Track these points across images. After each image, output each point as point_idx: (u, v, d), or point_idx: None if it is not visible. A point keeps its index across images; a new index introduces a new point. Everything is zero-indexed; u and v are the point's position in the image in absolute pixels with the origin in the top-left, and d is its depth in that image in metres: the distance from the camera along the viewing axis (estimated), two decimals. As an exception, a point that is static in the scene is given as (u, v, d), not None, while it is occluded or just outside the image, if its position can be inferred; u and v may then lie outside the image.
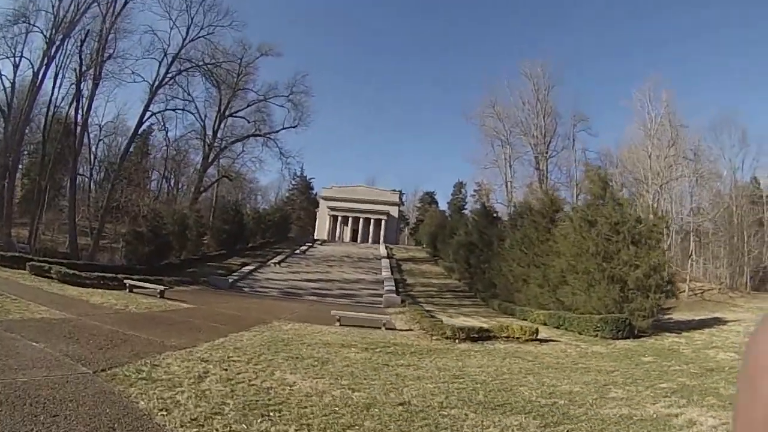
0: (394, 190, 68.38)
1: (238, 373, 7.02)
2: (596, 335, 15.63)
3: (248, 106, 50.00)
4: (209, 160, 46.95)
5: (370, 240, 62.47)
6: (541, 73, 46.98)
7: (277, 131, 50.75)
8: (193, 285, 23.63)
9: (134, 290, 17.34)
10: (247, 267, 31.37)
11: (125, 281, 17.87)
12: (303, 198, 74.27)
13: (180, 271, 27.77)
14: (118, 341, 8.23)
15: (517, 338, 13.95)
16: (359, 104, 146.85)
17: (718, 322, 20.20)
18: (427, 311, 19.68)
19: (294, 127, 51.06)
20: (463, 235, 34.57)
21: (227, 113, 48.42)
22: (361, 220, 65.51)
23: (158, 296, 16.63)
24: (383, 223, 64.71)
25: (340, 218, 65.48)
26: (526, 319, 19.59)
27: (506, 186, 47.40)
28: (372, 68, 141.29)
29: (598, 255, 17.78)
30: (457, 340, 13.17)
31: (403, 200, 70.67)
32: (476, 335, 13.74)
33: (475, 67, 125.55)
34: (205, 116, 47.66)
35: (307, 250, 45.30)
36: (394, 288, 28.49)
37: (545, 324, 18.24)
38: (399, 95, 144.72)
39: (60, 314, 10.30)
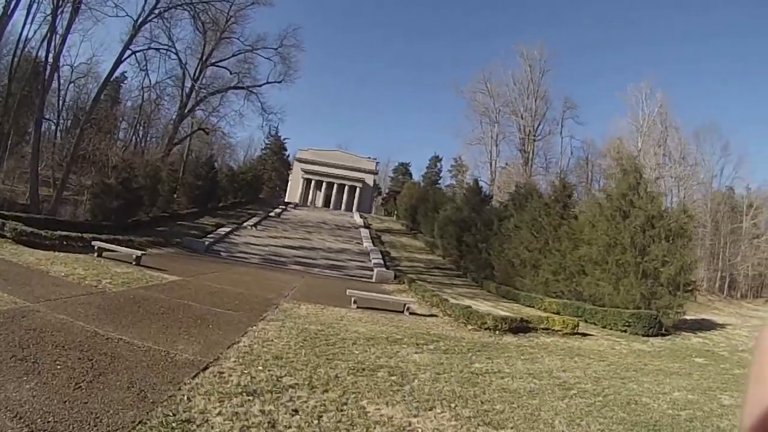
0: (371, 158, 65.27)
1: (319, 416, 4.28)
2: (625, 330, 14.47)
3: (233, 55, 44.88)
4: (186, 110, 42.04)
5: (343, 207, 59.35)
6: (537, 55, 45.11)
7: (261, 85, 45.87)
8: (166, 247, 20.09)
9: (104, 254, 13.81)
10: (222, 228, 27.92)
11: (93, 243, 14.23)
12: (276, 159, 69.56)
13: (149, 230, 24.05)
14: (104, 360, 5.01)
15: (557, 331, 12.52)
16: (336, 71, 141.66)
17: (713, 324, 19.84)
18: (430, 291, 17.48)
19: (279, 83, 46.39)
20: (452, 211, 32.37)
21: (210, 62, 43.32)
22: (335, 185, 61.92)
23: (134, 263, 13.19)
24: (358, 190, 61.47)
25: (314, 182, 61.68)
26: (533, 306, 18.17)
27: (491, 164, 45.48)
28: (356, 38, 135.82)
29: (634, 248, 16.12)
30: (497, 332, 11.51)
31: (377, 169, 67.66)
32: (516, 327, 12.00)
33: (466, 49, 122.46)
34: (186, 63, 42.57)
35: (281, 213, 41.90)
36: (381, 261, 26.03)
37: (558, 314, 16.69)
38: (378, 67, 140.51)
39: (9, 300, 6.73)
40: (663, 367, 10.00)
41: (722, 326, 19.30)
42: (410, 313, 12.81)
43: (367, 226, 41.18)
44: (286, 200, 57.51)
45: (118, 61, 35.40)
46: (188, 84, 42.45)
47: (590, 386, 7.37)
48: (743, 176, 46.32)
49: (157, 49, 39.59)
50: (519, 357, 9.04)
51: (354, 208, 58.26)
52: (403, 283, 20.63)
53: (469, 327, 11.82)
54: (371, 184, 64.13)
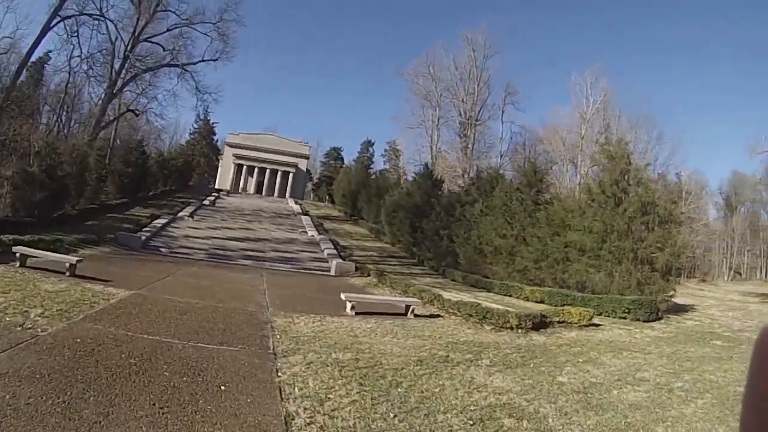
0: (304, 143, 61.43)
1: None
2: (624, 317, 13.72)
3: (168, 30, 38.86)
4: (115, 89, 35.99)
5: (275, 193, 55.28)
6: (481, 40, 44.00)
7: (196, 63, 40.29)
8: (99, 245, 16.09)
9: (27, 263, 9.97)
10: (158, 220, 23.79)
11: (14, 248, 10.21)
12: (205, 144, 62.96)
13: (78, 225, 19.81)
14: None
15: (574, 324, 11.49)
16: (264, 52, 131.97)
17: (683, 306, 19.25)
18: (404, 283, 15.48)
19: (215, 60, 40.82)
20: (400, 196, 30.47)
21: (143, 37, 37.28)
22: (267, 171, 57.41)
23: (67, 273, 9.60)
24: (291, 176, 57.35)
25: (245, 167, 56.82)
26: (511, 296, 16.91)
27: (431, 149, 43.99)
28: (286, 20, 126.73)
29: (632, 234, 15.26)
30: (520, 330, 10.14)
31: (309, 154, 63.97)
32: (538, 323, 10.74)
33: (403, 35, 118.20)
34: (117, 38, 36.30)
35: (215, 201, 37.62)
36: (335, 252, 23.47)
37: (543, 302, 15.57)
38: (306, 49, 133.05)
39: None
40: (702, 354, 9.73)
41: (692, 307, 19.11)
42: (415, 316, 10.71)
43: (305, 213, 38.14)
44: (217, 187, 52.67)
45: (46, 28, 29.10)
46: (118, 62, 36.48)
47: (681, 384, 7.07)
48: (676, 164, 47.82)
49: (90, 15, 33.19)
50: (577, 361, 7.99)
51: (287, 194, 54.65)
52: (368, 275, 18.37)
53: (487, 327, 10.16)
54: (304, 169, 60.48)
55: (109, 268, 11.78)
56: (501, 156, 43.56)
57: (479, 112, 44.13)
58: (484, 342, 8.72)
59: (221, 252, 20.51)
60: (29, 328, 5.54)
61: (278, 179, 57.53)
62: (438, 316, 11.26)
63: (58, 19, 30.61)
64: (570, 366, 7.52)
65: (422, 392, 5.26)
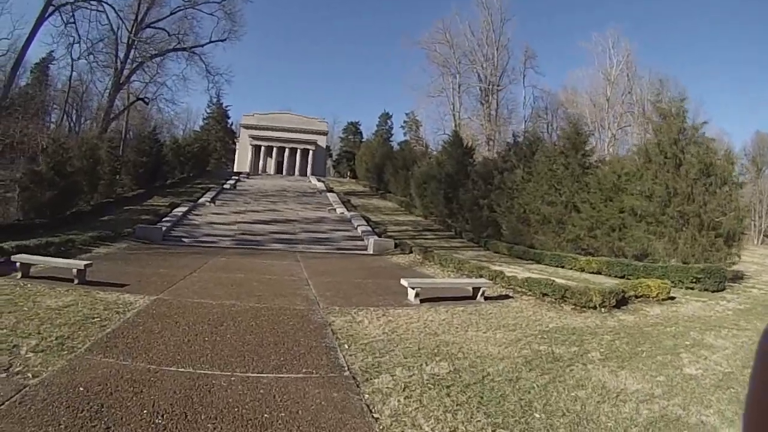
0: (322, 119, 59.96)
1: None
2: (692, 288, 12.47)
3: (172, 13, 37.39)
4: (122, 80, 34.79)
5: (296, 172, 54.07)
6: (497, 3, 41.67)
7: (204, 45, 38.94)
8: (116, 242, 14.97)
9: (31, 272, 8.57)
10: (178, 209, 22.81)
11: (13, 257, 8.72)
12: (219, 128, 61.33)
13: (93, 221, 18.90)
14: None
15: (652, 298, 10.30)
16: (271, 29, 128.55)
17: (734, 273, 17.98)
18: (457, 260, 14.31)
19: (222, 41, 39.72)
20: (429, 167, 29.23)
21: (146, 22, 35.79)
22: (286, 150, 55.97)
23: (76, 281, 8.15)
24: (311, 153, 55.95)
25: (263, 148, 55.37)
26: (564, 267, 15.73)
27: (454, 117, 42.27)
28: None
29: (698, 198, 13.91)
30: (603, 309, 8.98)
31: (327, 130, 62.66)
32: (619, 300, 9.54)
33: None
34: (119, 27, 34.85)
35: (235, 184, 36.52)
36: (369, 229, 22.36)
37: (600, 273, 14.47)
38: (313, 24, 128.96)
39: None
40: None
41: (743, 274, 17.05)
42: (485, 299, 9.65)
43: (330, 190, 37.07)
44: (235, 170, 51.60)
45: (41, 18, 27.69)
46: (122, 50, 35.20)
47: None
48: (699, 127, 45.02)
49: (86, 0, 31.55)
50: (685, 344, 6.92)
51: (308, 172, 53.51)
52: (410, 252, 17.25)
53: (567, 307, 9.06)
54: (323, 145, 59.00)
55: (126, 267, 10.51)
56: (525, 121, 41.72)
57: (500, 77, 42.21)
58: (577, 327, 7.47)
59: (249, 237, 19.57)
60: (16, 374, 4.04)
61: (298, 158, 56.25)
62: (507, 296, 10.04)
63: (53, 8, 29.08)
64: (683, 352, 6.43)
65: (564, 414, 4.01)
